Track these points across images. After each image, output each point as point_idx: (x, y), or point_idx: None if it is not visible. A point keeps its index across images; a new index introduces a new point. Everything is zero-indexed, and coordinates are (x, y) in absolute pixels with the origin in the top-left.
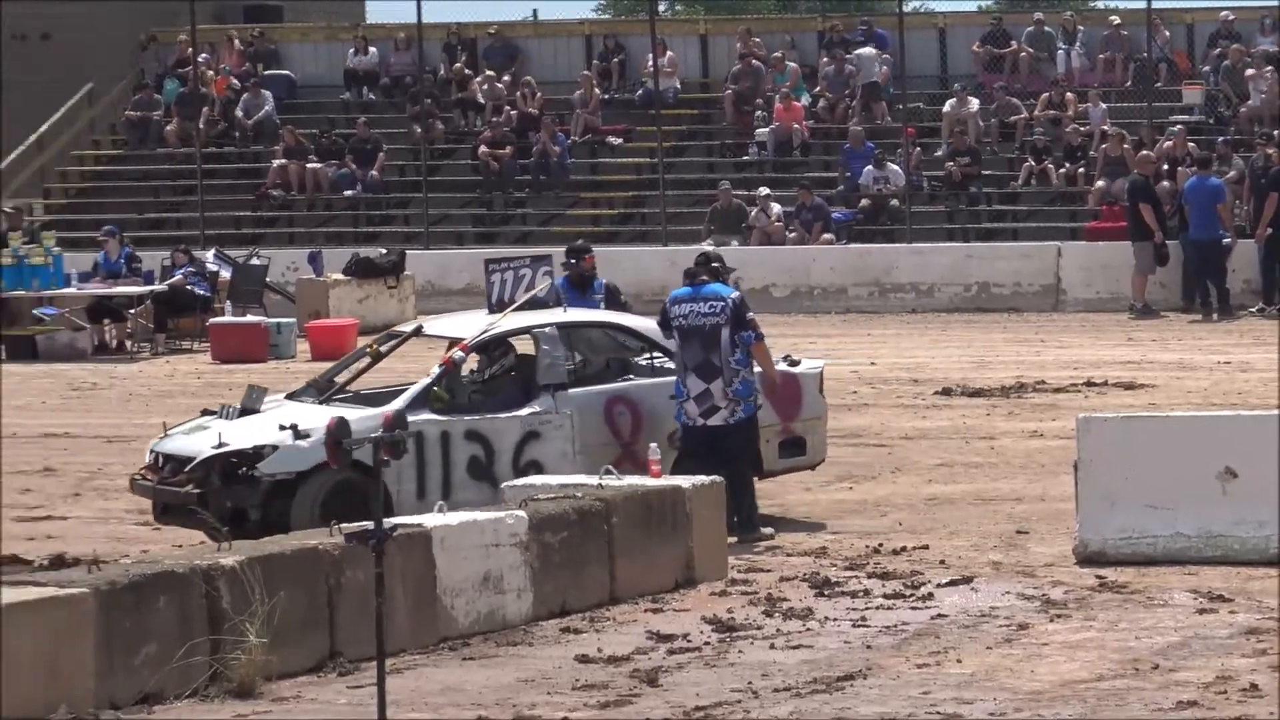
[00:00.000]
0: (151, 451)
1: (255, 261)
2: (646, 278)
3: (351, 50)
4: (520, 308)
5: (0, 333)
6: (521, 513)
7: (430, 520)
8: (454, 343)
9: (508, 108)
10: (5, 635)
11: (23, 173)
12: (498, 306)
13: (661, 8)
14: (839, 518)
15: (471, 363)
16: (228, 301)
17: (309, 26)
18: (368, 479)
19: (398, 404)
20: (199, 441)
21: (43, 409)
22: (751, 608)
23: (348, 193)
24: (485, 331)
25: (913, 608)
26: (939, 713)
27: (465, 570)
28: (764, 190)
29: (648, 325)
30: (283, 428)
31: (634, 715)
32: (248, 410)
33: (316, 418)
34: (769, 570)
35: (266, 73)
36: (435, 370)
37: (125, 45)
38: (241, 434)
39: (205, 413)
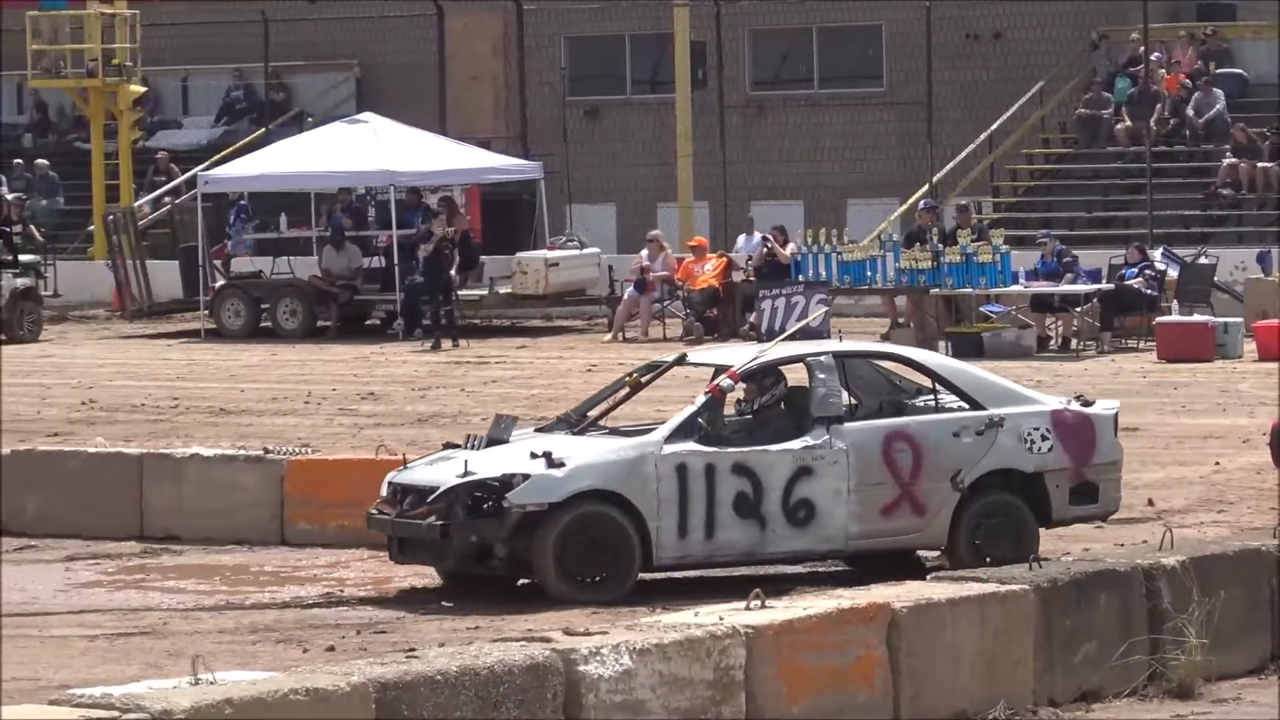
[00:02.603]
0: (389, 484)
1: (1203, 260)
2: None
3: None
4: (791, 337)
5: (946, 329)
6: None
7: None
8: (720, 371)
9: None
10: (948, 632)
11: (973, 170)
12: (768, 335)
13: None
14: None
15: (739, 394)
16: (1174, 300)
17: (1262, 25)
18: (611, 513)
19: (660, 433)
20: (442, 472)
21: None
22: None
23: None
24: (755, 359)
25: None
26: None
27: None
28: None
29: (933, 358)
30: (534, 456)
31: None
32: (495, 441)
33: (570, 447)
34: None
35: (1218, 71)
36: (701, 398)
37: (1076, 43)
38: (489, 463)
39: (447, 445)
